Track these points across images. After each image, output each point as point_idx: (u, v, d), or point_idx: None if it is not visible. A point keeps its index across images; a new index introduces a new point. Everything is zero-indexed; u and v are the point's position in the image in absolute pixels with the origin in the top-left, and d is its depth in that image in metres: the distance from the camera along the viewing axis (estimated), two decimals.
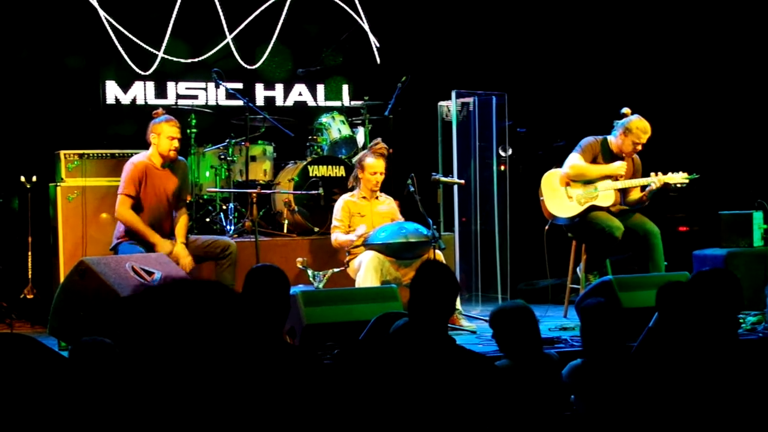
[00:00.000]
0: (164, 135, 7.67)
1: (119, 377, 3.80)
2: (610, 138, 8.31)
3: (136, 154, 8.90)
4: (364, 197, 8.27)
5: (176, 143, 7.76)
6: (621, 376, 4.54)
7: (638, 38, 11.15)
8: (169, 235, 7.81)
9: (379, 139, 8.34)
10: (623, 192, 8.32)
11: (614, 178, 8.26)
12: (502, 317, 4.89)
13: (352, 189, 8.42)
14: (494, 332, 4.97)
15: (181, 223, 7.89)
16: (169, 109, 9.74)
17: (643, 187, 8.28)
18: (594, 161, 8.30)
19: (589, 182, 8.28)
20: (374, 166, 8.18)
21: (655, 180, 8.16)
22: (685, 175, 8.20)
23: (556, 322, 8.00)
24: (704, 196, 9.96)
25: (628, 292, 6.95)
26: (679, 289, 4.77)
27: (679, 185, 8.21)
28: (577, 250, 8.51)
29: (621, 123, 8.23)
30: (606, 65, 11.15)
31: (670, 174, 8.21)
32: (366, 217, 8.21)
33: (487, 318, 8.10)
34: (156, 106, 10.17)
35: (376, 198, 8.31)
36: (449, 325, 5.74)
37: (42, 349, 4.13)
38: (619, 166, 8.23)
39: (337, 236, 8.17)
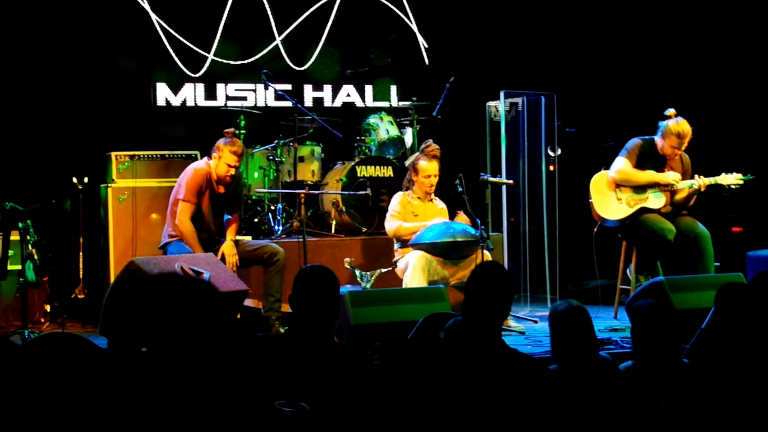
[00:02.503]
0: (223, 160, 7.72)
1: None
2: (656, 139, 8.23)
3: (186, 155, 9.00)
4: (419, 198, 8.24)
5: (233, 171, 7.81)
6: (673, 379, 4.49)
7: (690, 36, 11.04)
8: (215, 236, 7.87)
9: (431, 141, 8.28)
10: (671, 192, 8.24)
11: (664, 186, 8.17)
12: (554, 319, 4.83)
13: (405, 190, 8.40)
14: (550, 333, 4.89)
15: (233, 221, 7.97)
16: (218, 111, 9.86)
17: (690, 187, 8.18)
18: (641, 163, 8.21)
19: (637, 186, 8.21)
20: (428, 169, 8.15)
21: (699, 182, 8.08)
22: (740, 176, 8.10)
23: (606, 324, 7.94)
24: (758, 196, 9.85)
25: (679, 293, 6.87)
26: (739, 289, 4.71)
27: (733, 186, 8.11)
28: (627, 251, 8.44)
29: (662, 125, 8.16)
30: (657, 64, 11.06)
31: (723, 174, 8.11)
32: (419, 217, 8.19)
33: (535, 319, 8.15)
34: (206, 108, 10.28)
35: (431, 200, 8.29)
36: None
37: (92, 348, 4.17)
38: (670, 176, 8.13)
39: (400, 224, 8.09)
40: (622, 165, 8.21)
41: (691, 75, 10.91)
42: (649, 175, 8.17)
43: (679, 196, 8.22)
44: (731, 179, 8.10)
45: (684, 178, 8.24)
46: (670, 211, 8.22)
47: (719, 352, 4.52)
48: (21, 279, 7.71)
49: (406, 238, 8.03)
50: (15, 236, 7.86)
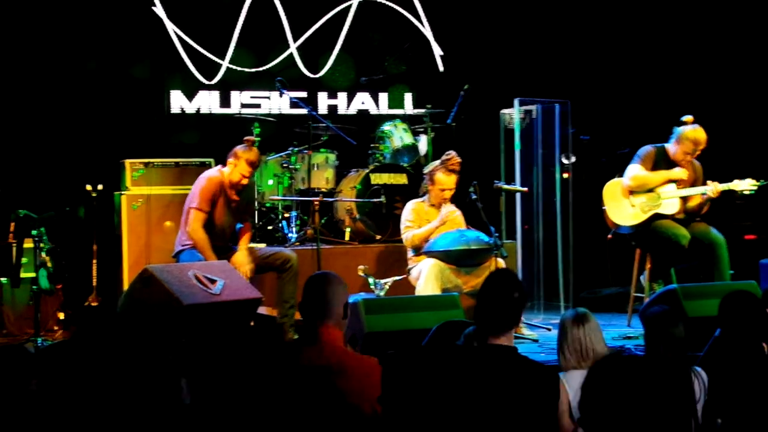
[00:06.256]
0: (239, 169, 7.74)
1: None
2: (668, 146, 8.23)
3: (200, 162, 9.02)
4: (432, 205, 8.24)
5: (245, 180, 7.84)
6: (686, 386, 4.47)
7: (703, 43, 11.02)
8: (228, 243, 7.88)
9: (453, 153, 8.20)
10: (684, 199, 8.22)
11: (676, 183, 8.17)
12: (561, 326, 4.82)
13: (420, 196, 8.40)
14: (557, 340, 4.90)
15: (246, 230, 7.97)
16: (232, 118, 9.88)
17: (702, 194, 8.16)
18: (654, 170, 8.20)
19: (651, 190, 8.19)
20: (445, 182, 8.12)
21: (711, 189, 8.05)
22: (753, 181, 8.07)
23: (620, 331, 7.92)
24: None
25: (693, 301, 6.84)
26: (742, 298, 4.69)
27: (746, 192, 8.08)
28: (641, 259, 8.41)
29: (677, 130, 8.16)
30: (670, 71, 11.04)
31: (736, 181, 8.08)
32: None
33: (549, 326, 8.13)
34: (220, 115, 10.29)
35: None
36: None
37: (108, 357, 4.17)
38: (680, 171, 8.13)
39: (414, 233, 8.10)
40: (636, 171, 8.19)
41: (704, 82, 10.89)
42: (661, 175, 8.17)
43: (691, 203, 8.20)
44: (744, 185, 8.07)
45: (696, 184, 8.22)
46: (684, 218, 8.20)
47: (727, 361, 4.51)
48: (34, 287, 7.71)
49: (423, 245, 8.03)
50: (28, 244, 7.87)
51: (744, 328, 4.54)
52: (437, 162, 8.29)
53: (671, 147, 8.19)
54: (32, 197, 8.57)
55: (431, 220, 8.17)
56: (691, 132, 8.08)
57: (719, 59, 11.00)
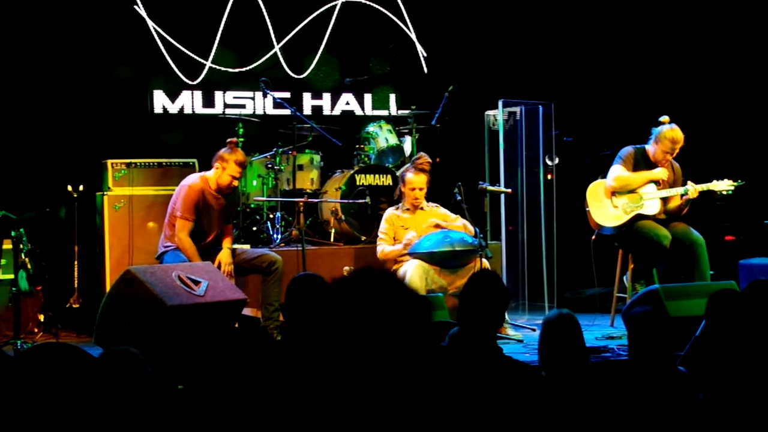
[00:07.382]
0: (228, 171, 7.74)
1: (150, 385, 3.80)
2: (647, 147, 8.32)
3: (183, 162, 8.99)
4: (407, 209, 8.26)
5: (236, 182, 7.85)
6: (667, 385, 4.47)
7: (684, 46, 11.07)
8: (213, 246, 7.86)
9: (423, 154, 8.30)
10: (665, 200, 8.29)
11: (657, 182, 8.23)
12: (544, 327, 4.81)
13: (398, 200, 8.42)
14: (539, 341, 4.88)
15: (228, 231, 7.96)
16: (216, 118, 9.84)
17: (683, 195, 8.23)
18: (635, 170, 8.28)
19: (633, 191, 8.24)
20: (413, 181, 8.17)
21: (690, 189, 8.11)
22: (731, 182, 8.16)
23: (603, 331, 7.95)
24: (750, 204, 9.86)
25: (674, 301, 6.88)
26: (730, 297, 4.70)
27: (724, 192, 8.16)
28: (623, 259, 8.46)
29: (655, 131, 8.24)
30: (652, 73, 11.07)
31: (714, 181, 8.18)
32: (409, 229, 8.19)
33: (533, 327, 8.14)
34: (204, 116, 10.24)
35: (421, 209, 8.29)
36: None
37: (86, 358, 4.15)
38: (660, 171, 8.21)
39: (384, 248, 8.17)
40: (618, 172, 8.28)
41: (683, 84, 10.94)
42: (642, 176, 8.25)
43: (671, 204, 8.29)
44: (723, 185, 8.16)
45: (675, 185, 8.30)
46: (664, 219, 8.26)
47: (712, 359, 4.52)
48: (14, 288, 7.62)
49: (395, 259, 8.07)
50: (7, 245, 7.80)
51: (731, 327, 4.54)
52: (408, 164, 8.37)
53: (650, 148, 8.30)
54: (11, 197, 8.47)
55: (406, 226, 8.19)
56: (669, 131, 8.17)
57: (698, 62, 11.05)
